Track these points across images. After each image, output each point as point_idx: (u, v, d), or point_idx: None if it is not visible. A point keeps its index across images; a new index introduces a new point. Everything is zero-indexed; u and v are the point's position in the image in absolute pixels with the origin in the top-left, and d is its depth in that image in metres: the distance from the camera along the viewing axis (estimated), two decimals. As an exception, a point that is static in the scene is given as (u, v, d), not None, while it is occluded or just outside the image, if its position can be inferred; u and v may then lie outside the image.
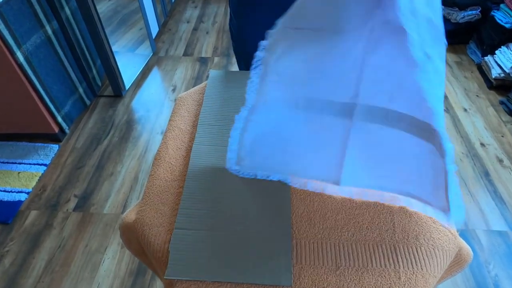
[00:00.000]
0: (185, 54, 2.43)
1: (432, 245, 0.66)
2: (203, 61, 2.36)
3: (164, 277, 0.58)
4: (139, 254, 0.76)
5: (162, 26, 2.72)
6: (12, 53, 1.42)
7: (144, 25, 2.30)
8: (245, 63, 1.21)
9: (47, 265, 1.30)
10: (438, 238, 0.67)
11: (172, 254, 0.62)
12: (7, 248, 1.35)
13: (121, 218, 0.75)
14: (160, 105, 2.01)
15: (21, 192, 1.52)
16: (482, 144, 1.76)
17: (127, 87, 2.09)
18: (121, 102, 2.02)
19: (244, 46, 1.14)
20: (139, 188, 1.57)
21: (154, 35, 2.49)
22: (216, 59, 2.38)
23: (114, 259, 1.32)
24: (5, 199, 1.49)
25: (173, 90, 2.12)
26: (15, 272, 1.28)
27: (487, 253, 1.34)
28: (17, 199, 1.49)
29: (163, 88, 2.14)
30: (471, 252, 0.69)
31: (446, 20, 2.42)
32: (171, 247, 0.63)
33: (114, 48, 1.91)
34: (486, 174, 1.62)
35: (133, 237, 0.72)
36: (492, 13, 2.19)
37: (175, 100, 1.06)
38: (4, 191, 1.52)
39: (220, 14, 2.89)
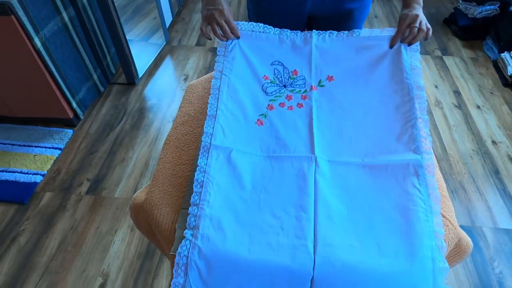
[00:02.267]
0: (198, 44, 2.45)
1: (432, 234, 0.66)
2: (216, 51, 2.37)
3: (170, 253, 0.61)
4: (147, 234, 0.79)
5: (176, 16, 2.74)
6: (30, 39, 1.46)
7: (158, 14, 2.32)
8: None
9: (60, 244, 1.35)
10: (439, 228, 0.67)
11: (179, 232, 0.64)
12: (23, 227, 1.40)
13: (132, 198, 0.78)
14: (172, 94, 2.04)
15: (36, 174, 1.58)
16: (494, 142, 1.74)
17: (140, 76, 2.13)
18: (134, 90, 2.06)
19: None
20: (149, 174, 1.60)
21: (167, 25, 2.52)
22: (228, 50, 2.39)
23: (124, 242, 1.36)
24: (22, 180, 1.55)
25: (185, 79, 2.15)
26: (30, 250, 1.33)
27: (493, 251, 1.33)
28: (32, 181, 1.55)
29: (175, 77, 2.17)
30: (471, 243, 0.69)
31: (463, 15, 2.37)
32: (177, 226, 0.65)
33: (128, 37, 1.94)
34: (496, 172, 1.60)
35: (142, 216, 0.75)
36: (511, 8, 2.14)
37: (186, 87, 1.08)
38: (21, 172, 1.58)
39: (233, 5, 2.89)
